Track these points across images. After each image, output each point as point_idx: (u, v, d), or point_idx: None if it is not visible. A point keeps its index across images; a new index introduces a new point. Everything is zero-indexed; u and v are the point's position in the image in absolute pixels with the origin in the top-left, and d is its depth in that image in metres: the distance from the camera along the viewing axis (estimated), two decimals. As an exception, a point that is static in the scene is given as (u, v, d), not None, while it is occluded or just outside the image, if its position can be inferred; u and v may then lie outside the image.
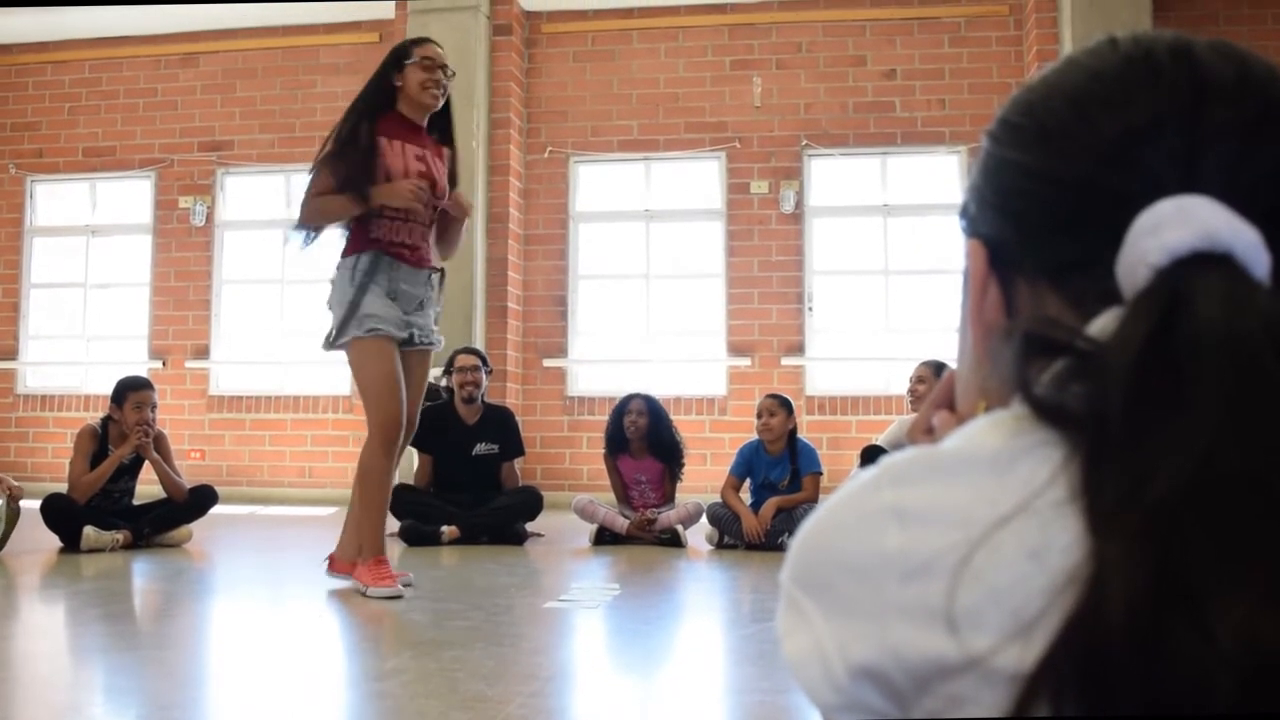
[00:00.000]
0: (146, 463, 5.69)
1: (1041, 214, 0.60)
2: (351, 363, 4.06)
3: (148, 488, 5.77)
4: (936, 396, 0.74)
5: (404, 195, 4.00)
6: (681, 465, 6.29)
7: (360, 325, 3.99)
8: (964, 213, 0.67)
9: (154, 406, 5.66)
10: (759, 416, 5.96)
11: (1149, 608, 0.44)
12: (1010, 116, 0.64)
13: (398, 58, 4.15)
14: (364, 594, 3.95)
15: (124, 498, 5.71)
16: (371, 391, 4.02)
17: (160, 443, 5.74)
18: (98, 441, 5.58)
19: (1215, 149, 0.56)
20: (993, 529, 0.49)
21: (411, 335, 4.11)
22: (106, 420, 5.67)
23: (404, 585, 4.05)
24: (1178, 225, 0.52)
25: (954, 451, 0.53)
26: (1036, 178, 0.60)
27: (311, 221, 4.08)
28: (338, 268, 4.09)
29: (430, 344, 4.21)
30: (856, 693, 0.51)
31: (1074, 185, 0.58)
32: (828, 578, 0.53)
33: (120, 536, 5.40)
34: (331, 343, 4.06)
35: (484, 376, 6.31)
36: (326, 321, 4.12)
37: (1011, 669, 0.47)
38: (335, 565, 4.20)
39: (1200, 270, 0.51)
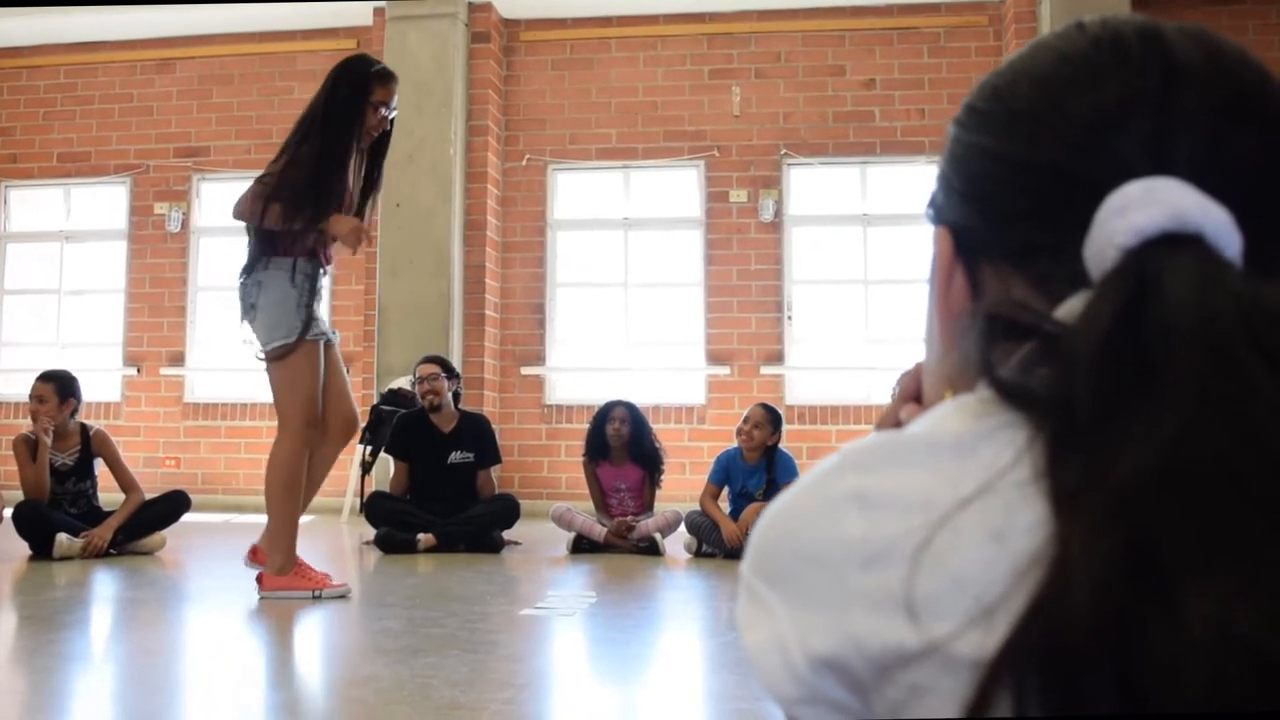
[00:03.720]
0: (103, 465, 5.70)
1: (1008, 199, 0.59)
2: (289, 365, 4.06)
3: (119, 495, 5.71)
4: (905, 389, 0.73)
5: (350, 237, 4.08)
6: (661, 473, 6.27)
7: (310, 329, 4.06)
8: (932, 201, 0.66)
9: (40, 400, 5.62)
10: (745, 421, 5.94)
11: (1115, 593, 0.43)
12: (977, 102, 0.63)
13: (364, 93, 4.14)
14: (318, 597, 4.01)
15: (80, 499, 5.66)
16: (304, 395, 4.09)
17: (104, 443, 5.73)
18: (32, 446, 5.57)
19: (1185, 133, 0.55)
20: (954, 511, 0.48)
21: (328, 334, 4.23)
22: None
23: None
24: (1147, 205, 0.51)
25: (916, 435, 0.52)
26: (1003, 162, 0.59)
27: (276, 226, 4.03)
28: (268, 267, 4.05)
29: (336, 340, 4.30)
30: (817, 684, 0.50)
31: (1042, 170, 0.57)
32: (789, 567, 0.52)
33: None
34: (289, 350, 4.03)
35: (446, 384, 6.26)
36: (254, 322, 4.08)
37: (972, 655, 0.46)
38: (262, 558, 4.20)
39: (1170, 251, 0.50)
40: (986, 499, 0.48)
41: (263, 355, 4.09)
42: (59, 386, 5.67)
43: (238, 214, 4.11)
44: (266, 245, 4.08)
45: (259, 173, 4.28)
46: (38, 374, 5.80)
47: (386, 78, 4.21)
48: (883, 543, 0.49)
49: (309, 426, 4.12)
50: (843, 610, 0.49)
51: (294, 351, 4.04)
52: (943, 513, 0.48)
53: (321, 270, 4.15)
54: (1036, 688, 0.43)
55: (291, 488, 4.12)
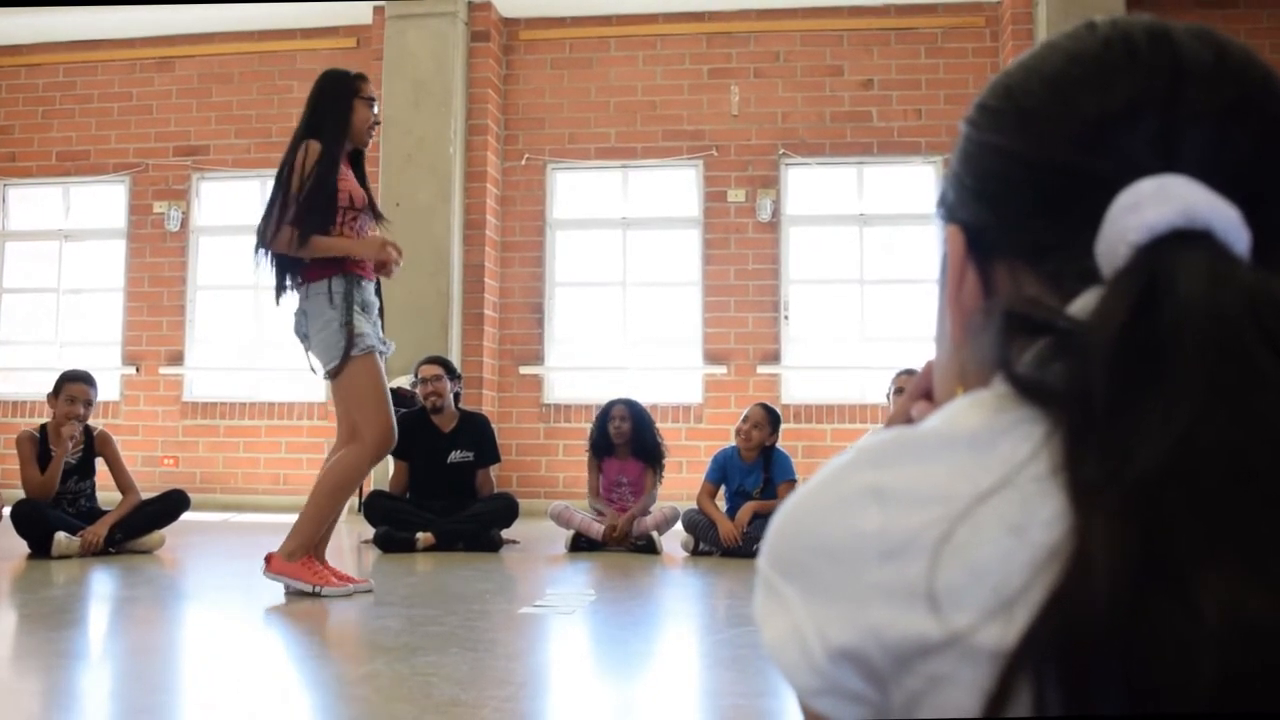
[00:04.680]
0: (103, 464, 5.68)
1: (1020, 197, 0.59)
2: (347, 382, 4.14)
3: (117, 495, 5.71)
4: (915, 387, 0.74)
5: (379, 252, 4.20)
6: (662, 466, 6.26)
7: (356, 345, 4.10)
8: (942, 200, 0.67)
9: (88, 403, 5.61)
10: (744, 420, 5.95)
11: (1132, 583, 0.44)
12: (988, 101, 0.64)
13: (350, 90, 4.26)
14: (317, 594, 4.02)
15: (80, 498, 5.66)
16: (372, 406, 4.14)
17: (107, 443, 5.72)
18: (37, 445, 5.55)
19: (1193, 132, 0.56)
20: (973, 505, 0.49)
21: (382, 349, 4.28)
22: (43, 427, 5.65)
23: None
24: (1158, 203, 0.52)
25: (933, 431, 0.53)
26: (1015, 161, 0.60)
27: (300, 254, 4.11)
28: (308, 295, 4.14)
29: (388, 353, 4.33)
30: (836, 676, 0.51)
31: (1053, 168, 0.58)
32: (806, 561, 0.53)
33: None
34: (339, 369, 4.10)
35: (448, 385, 6.27)
36: (311, 350, 4.17)
37: (992, 646, 0.47)
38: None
39: (1181, 247, 0.51)
40: (1005, 493, 0.49)
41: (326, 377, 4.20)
42: (95, 389, 5.69)
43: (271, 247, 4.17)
44: (297, 268, 4.16)
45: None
46: (67, 373, 5.70)
47: (365, 78, 4.37)
48: (902, 536, 0.50)
49: (383, 441, 4.17)
50: (861, 603, 0.50)
51: (343, 371, 4.10)
52: (962, 506, 0.49)
53: (360, 282, 4.19)
54: (1056, 677, 0.44)
55: (341, 490, 4.17)
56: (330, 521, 4.22)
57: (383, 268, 4.25)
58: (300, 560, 4.09)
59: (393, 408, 4.23)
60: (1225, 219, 0.52)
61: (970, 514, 0.48)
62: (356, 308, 4.14)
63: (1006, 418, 0.51)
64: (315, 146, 4.15)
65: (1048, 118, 0.59)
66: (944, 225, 0.65)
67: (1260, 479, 0.45)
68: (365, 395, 4.13)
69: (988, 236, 0.62)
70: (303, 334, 4.18)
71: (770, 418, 5.96)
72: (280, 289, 4.21)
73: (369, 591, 4.16)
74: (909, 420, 0.72)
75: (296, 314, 4.19)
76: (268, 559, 4.13)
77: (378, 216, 4.35)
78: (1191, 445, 0.46)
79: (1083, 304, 0.54)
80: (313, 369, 4.24)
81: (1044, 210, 0.58)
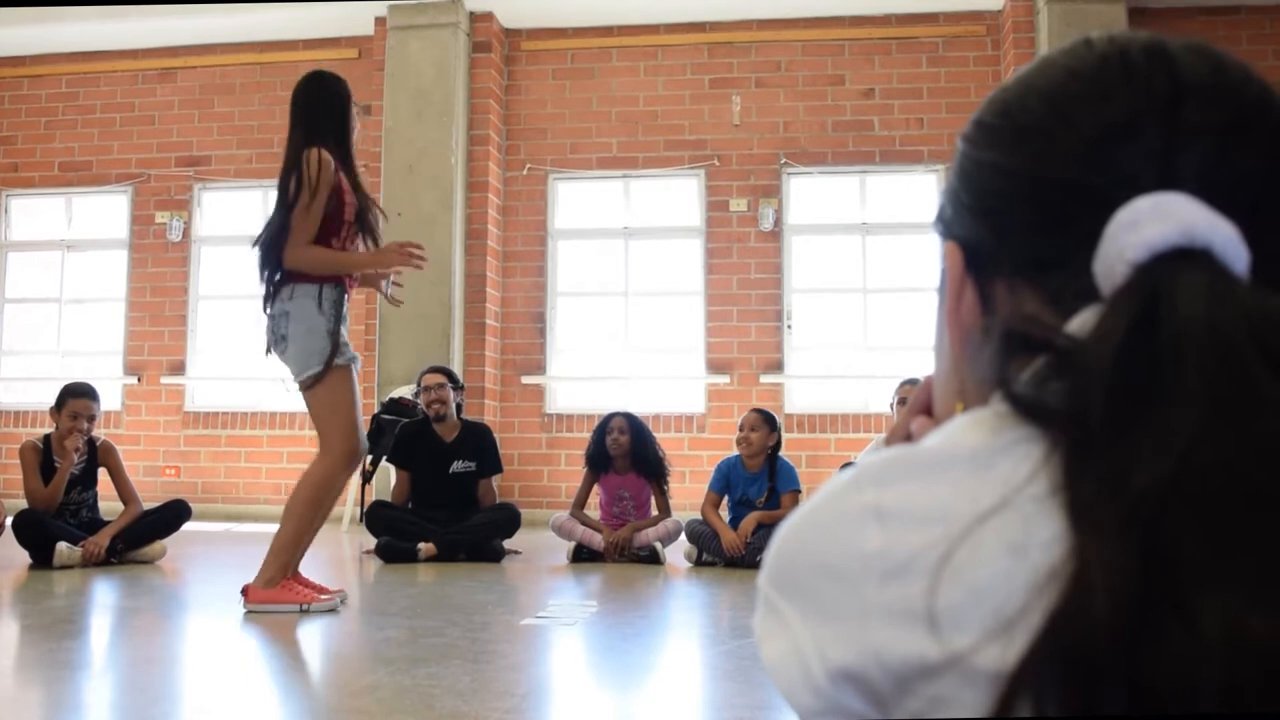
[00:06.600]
0: (104, 473, 5.68)
1: (1018, 214, 0.59)
2: (325, 391, 4.06)
3: (118, 505, 5.71)
4: (914, 402, 0.74)
5: (398, 258, 4.24)
6: (667, 481, 6.24)
7: (342, 354, 4.06)
8: (940, 216, 0.67)
9: (91, 419, 5.60)
10: (740, 429, 5.95)
11: (1133, 603, 0.43)
12: (985, 117, 0.63)
13: (346, 94, 4.29)
14: (306, 611, 3.97)
15: (82, 509, 5.67)
16: (347, 418, 4.08)
17: (110, 454, 5.72)
18: (40, 455, 5.55)
19: (1191, 148, 0.56)
20: (973, 525, 0.48)
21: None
22: (47, 437, 5.65)
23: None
24: (1156, 221, 0.52)
25: (934, 450, 0.53)
26: (1013, 177, 0.60)
27: (313, 271, 4.06)
28: (295, 296, 4.04)
29: (358, 368, 4.26)
30: (836, 696, 0.51)
31: (1051, 184, 0.58)
32: (806, 580, 0.52)
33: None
34: (320, 375, 4.01)
35: (451, 394, 6.28)
36: (285, 353, 4.06)
37: (993, 668, 0.46)
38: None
39: (1180, 266, 0.50)
40: (1005, 513, 0.48)
41: (297, 386, 4.09)
42: (98, 403, 5.69)
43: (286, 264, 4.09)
44: (289, 273, 4.07)
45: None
46: (70, 387, 5.69)
47: (343, 80, 4.40)
48: (902, 556, 0.49)
49: (351, 453, 4.09)
50: (862, 623, 0.50)
51: (324, 379, 4.02)
52: (962, 527, 0.48)
53: (346, 295, 4.15)
54: (1056, 699, 0.44)
55: (314, 505, 4.06)
56: (307, 540, 4.12)
57: (407, 264, 4.24)
58: (279, 585, 4.01)
59: (362, 421, 4.16)
60: (1224, 237, 0.51)
61: (970, 534, 0.48)
62: (344, 319, 4.10)
63: (1006, 437, 0.51)
64: (325, 155, 4.09)
65: (1046, 134, 0.59)
66: (942, 241, 0.65)
67: (1260, 498, 0.45)
68: (339, 406, 4.07)
69: (986, 253, 0.61)
70: (279, 335, 4.05)
71: (765, 418, 5.96)
72: (269, 296, 4.10)
73: (343, 602, 4.13)
74: (909, 435, 0.72)
75: (276, 315, 4.06)
76: (244, 592, 4.02)
77: (366, 227, 4.22)
78: (1190, 464, 0.45)
79: (1081, 322, 0.54)
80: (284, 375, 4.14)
81: (1042, 227, 0.58)
